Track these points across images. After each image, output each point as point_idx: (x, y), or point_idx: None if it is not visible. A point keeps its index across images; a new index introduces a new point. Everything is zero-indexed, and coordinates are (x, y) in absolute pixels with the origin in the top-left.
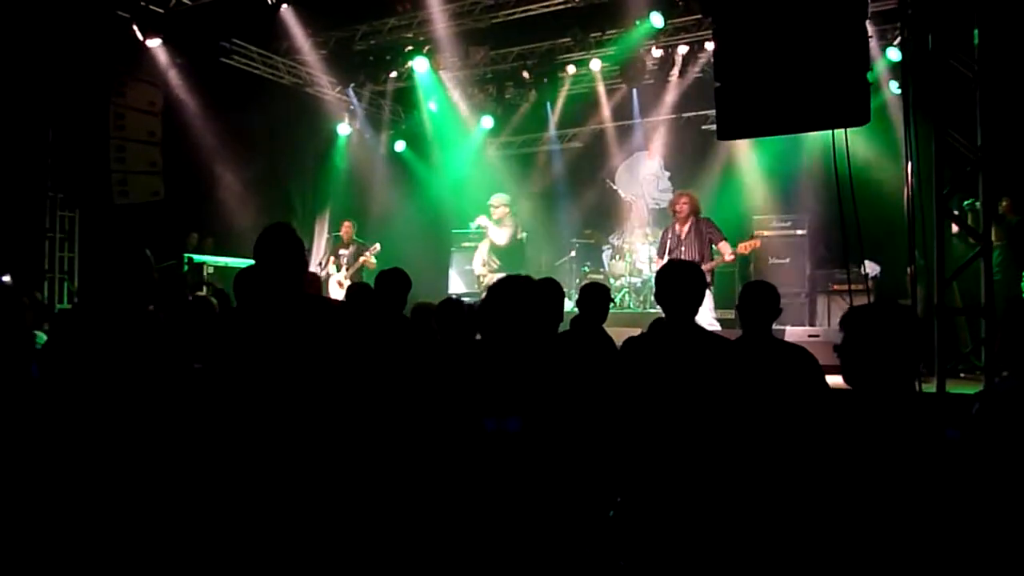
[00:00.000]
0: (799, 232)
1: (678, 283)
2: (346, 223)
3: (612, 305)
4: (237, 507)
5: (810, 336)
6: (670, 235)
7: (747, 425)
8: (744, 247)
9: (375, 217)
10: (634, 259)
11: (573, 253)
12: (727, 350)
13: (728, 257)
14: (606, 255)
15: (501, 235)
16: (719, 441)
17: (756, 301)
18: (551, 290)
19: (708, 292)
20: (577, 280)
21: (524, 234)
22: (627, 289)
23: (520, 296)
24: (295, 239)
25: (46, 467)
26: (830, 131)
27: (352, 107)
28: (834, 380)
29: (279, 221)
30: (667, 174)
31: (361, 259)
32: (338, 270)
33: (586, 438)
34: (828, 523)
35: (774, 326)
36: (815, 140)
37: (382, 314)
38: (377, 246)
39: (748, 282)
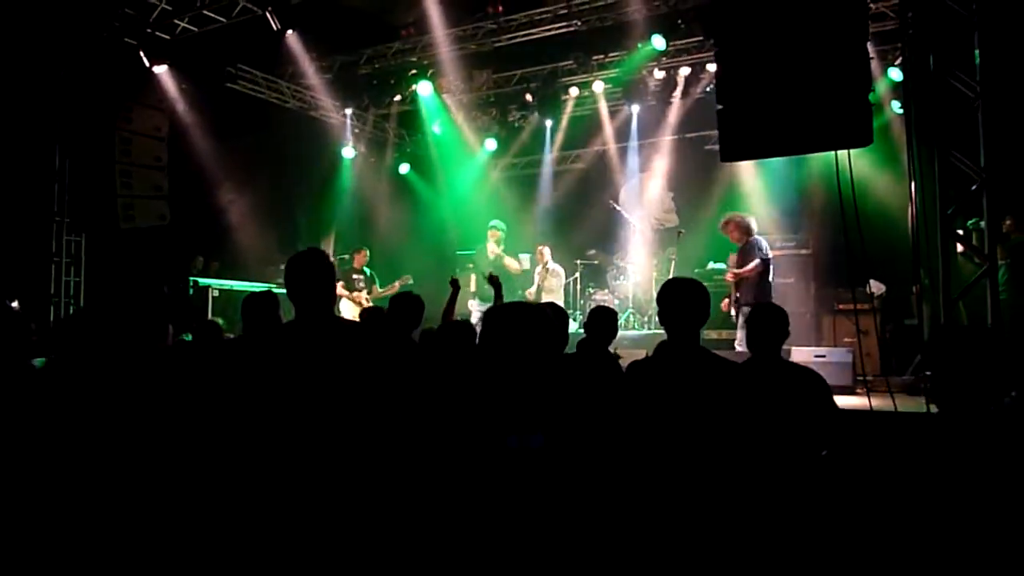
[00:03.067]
0: (804, 251)
1: (680, 301)
2: (364, 251)
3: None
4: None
5: (816, 356)
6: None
7: (761, 451)
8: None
9: (380, 239)
10: (638, 280)
11: (577, 274)
12: (735, 374)
13: (728, 276)
14: (610, 276)
15: (515, 266)
16: (732, 468)
17: (765, 323)
18: (555, 315)
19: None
20: (581, 301)
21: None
22: (631, 310)
23: (522, 322)
24: (328, 263)
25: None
26: (833, 152)
27: (356, 130)
28: (843, 401)
29: (312, 247)
30: (671, 195)
31: (395, 284)
32: (350, 292)
33: (593, 462)
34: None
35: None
36: (819, 160)
37: (394, 337)
38: (408, 278)
39: (757, 305)
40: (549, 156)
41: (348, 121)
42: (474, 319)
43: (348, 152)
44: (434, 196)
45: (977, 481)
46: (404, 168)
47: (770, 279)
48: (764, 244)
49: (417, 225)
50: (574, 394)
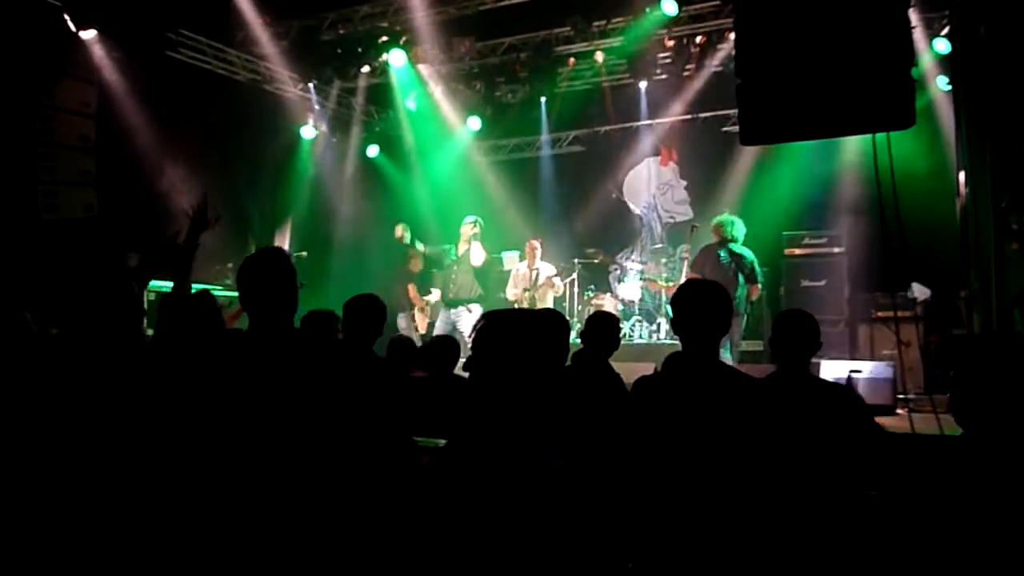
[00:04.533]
0: (836, 250)
1: (699, 307)
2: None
3: (621, 336)
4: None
5: (851, 372)
6: None
7: (787, 482)
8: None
9: (343, 232)
10: (645, 282)
11: (575, 275)
12: (758, 391)
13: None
14: (613, 277)
15: (479, 256)
16: (756, 503)
17: (792, 334)
18: (554, 324)
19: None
20: (579, 307)
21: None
22: (637, 317)
23: (518, 334)
24: (288, 265)
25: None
26: (870, 135)
27: (318, 107)
28: (881, 423)
29: (269, 246)
30: (683, 183)
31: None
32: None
33: (592, 493)
34: None
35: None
36: (854, 144)
37: (351, 348)
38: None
39: (783, 312)
40: (542, 138)
41: (308, 96)
42: (440, 329)
43: (308, 132)
44: (407, 183)
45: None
46: (373, 151)
47: (737, 291)
48: (710, 254)
49: (387, 217)
50: (581, 413)
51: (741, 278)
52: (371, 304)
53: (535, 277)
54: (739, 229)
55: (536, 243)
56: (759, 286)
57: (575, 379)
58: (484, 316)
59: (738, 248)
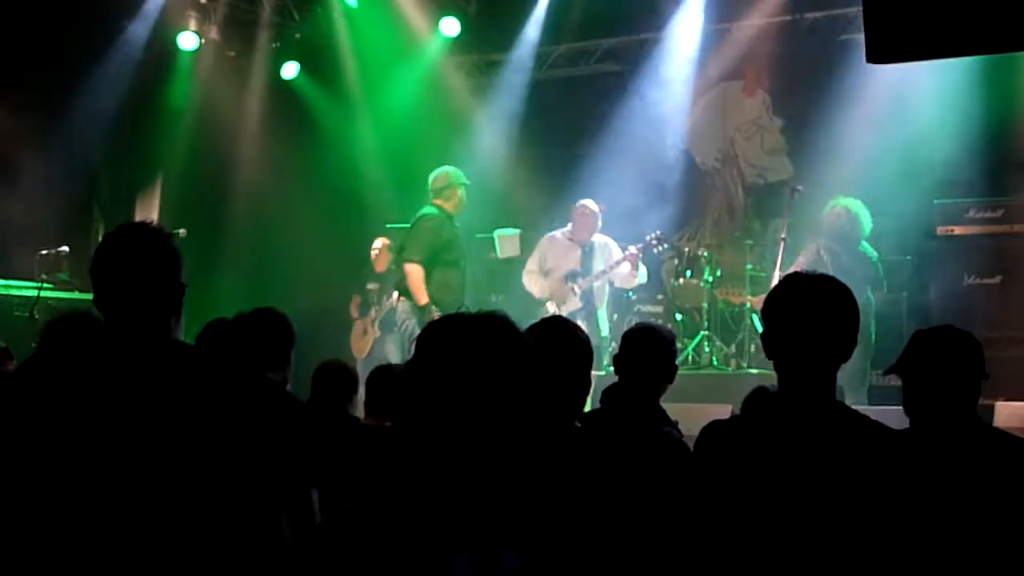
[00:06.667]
0: (1015, 229)
1: (804, 315)
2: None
3: (680, 362)
4: None
5: None
6: None
7: None
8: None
9: (244, 197)
10: (720, 276)
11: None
12: (899, 451)
13: None
14: (667, 270)
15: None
16: None
17: (941, 362)
18: (565, 343)
19: None
20: (615, 316)
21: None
22: (706, 333)
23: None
24: (166, 248)
25: None
26: None
27: (203, 2)
28: None
29: (135, 221)
30: (777, 122)
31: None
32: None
33: None
34: None
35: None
36: None
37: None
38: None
39: (924, 330)
40: (555, 50)
41: None
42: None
43: (187, 40)
44: (344, 119)
45: None
46: (290, 70)
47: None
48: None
49: (312, 172)
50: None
51: (868, 290)
52: (270, 323)
53: (586, 255)
54: (868, 221)
55: (593, 206)
56: (882, 294)
57: (606, 428)
58: (428, 329)
59: (865, 248)
